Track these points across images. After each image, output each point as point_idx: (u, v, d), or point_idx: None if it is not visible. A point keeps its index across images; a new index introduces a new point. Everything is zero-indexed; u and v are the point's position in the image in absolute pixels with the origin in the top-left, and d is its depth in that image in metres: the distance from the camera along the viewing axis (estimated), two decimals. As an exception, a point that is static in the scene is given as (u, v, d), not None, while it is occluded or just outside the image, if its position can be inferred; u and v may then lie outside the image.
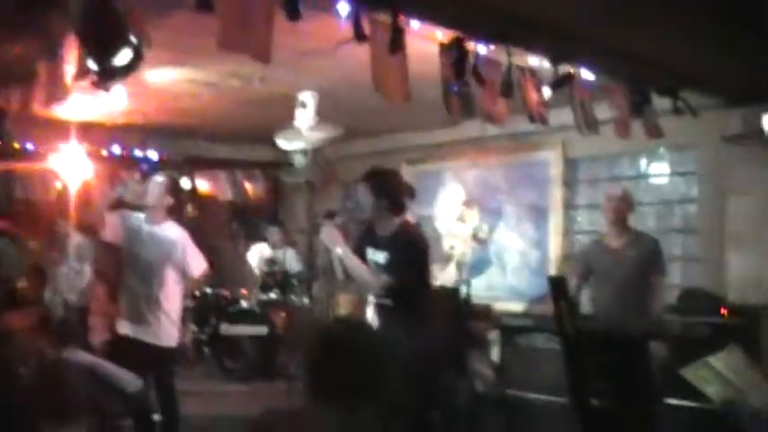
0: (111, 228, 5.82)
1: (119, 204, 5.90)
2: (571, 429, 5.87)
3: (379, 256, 4.79)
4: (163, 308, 5.81)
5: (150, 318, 5.78)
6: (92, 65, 3.54)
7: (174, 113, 8.93)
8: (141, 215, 5.90)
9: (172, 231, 5.90)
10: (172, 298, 5.89)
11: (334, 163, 10.93)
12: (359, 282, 4.90)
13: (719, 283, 7.27)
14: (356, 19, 4.22)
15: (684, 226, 8.12)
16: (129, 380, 5.64)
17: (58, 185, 10.15)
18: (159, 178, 5.94)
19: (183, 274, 5.95)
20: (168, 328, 5.86)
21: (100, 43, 3.43)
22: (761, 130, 6.88)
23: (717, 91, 7.03)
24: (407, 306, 4.72)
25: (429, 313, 4.90)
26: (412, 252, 4.83)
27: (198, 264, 6.01)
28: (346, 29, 4.31)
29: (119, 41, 3.45)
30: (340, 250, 4.78)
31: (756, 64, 6.39)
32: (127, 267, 5.88)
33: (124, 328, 5.89)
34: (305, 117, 7.68)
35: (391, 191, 4.86)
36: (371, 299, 4.99)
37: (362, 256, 4.85)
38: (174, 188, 6.01)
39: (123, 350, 5.83)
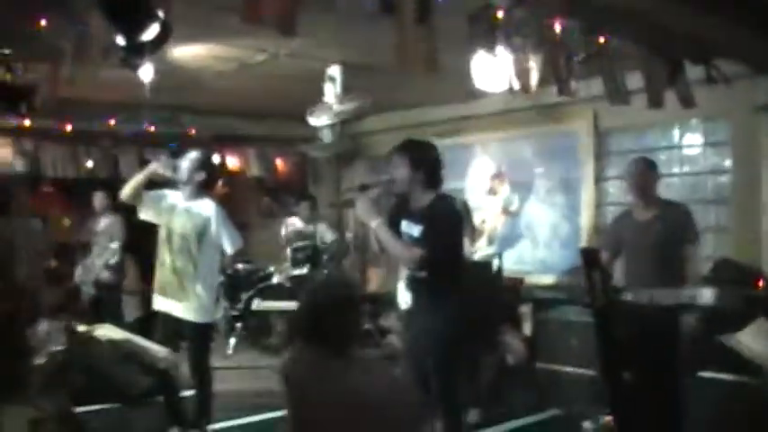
0: (148, 205, 5.88)
1: (154, 182, 5.93)
2: (601, 402, 5.85)
3: (413, 229, 4.76)
4: (199, 283, 5.81)
5: (186, 294, 5.80)
6: (120, 41, 3.52)
7: (200, 90, 8.93)
8: (177, 192, 5.92)
9: (207, 207, 5.90)
10: (207, 274, 5.91)
11: (362, 137, 10.91)
12: (393, 255, 4.87)
13: (754, 254, 7.19)
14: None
15: (717, 197, 8.03)
16: (161, 354, 5.69)
17: (88, 164, 10.21)
18: (192, 154, 5.95)
19: (219, 250, 5.96)
20: (204, 304, 5.87)
21: (127, 18, 3.41)
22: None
23: (747, 59, 6.92)
24: (441, 279, 4.70)
25: (462, 286, 4.88)
26: (446, 225, 4.80)
27: (233, 240, 5.97)
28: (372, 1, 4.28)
29: (146, 16, 3.42)
30: (374, 223, 4.74)
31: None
32: (163, 244, 5.89)
33: (160, 303, 5.92)
34: (333, 91, 7.66)
35: (428, 163, 4.82)
36: (405, 271, 4.96)
37: (396, 229, 4.82)
38: (206, 164, 6.01)
39: (159, 325, 5.92)
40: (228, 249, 5.97)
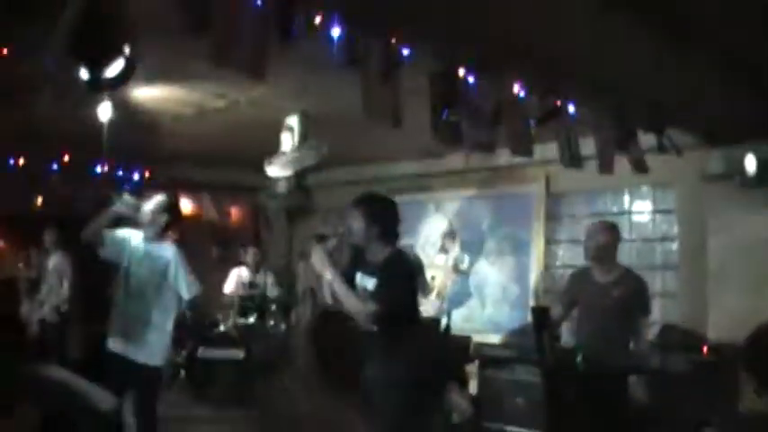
0: (109, 245, 5.78)
1: (117, 222, 5.86)
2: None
3: (368, 282, 4.75)
4: (153, 326, 5.75)
5: (143, 336, 5.72)
6: (83, 74, 3.50)
7: (159, 133, 8.90)
8: (137, 232, 5.86)
9: (167, 251, 5.87)
10: (162, 317, 5.84)
11: (317, 190, 10.92)
12: (347, 308, 4.84)
13: (700, 320, 7.30)
14: (349, 44, 4.23)
15: (665, 263, 8.17)
16: (103, 397, 5.57)
17: (39, 200, 10.09)
18: (158, 196, 5.92)
19: (176, 294, 5.90)
20: (159, 348, 5.82)
21: (92, 53, 3.39)
22: (742, 170, 6.94)
23: (700, 130, 7.11)
24: (391, 334, 4.69)
25: (413, 342, 4.87)
26: (401, 280, 4.80)
27: (191, 286, 5.93)
28: (338, 53, 4.32)
29: (111, 51, 3.41)
30: (329, 275, 4.73)
31: (738, 105, 6.48)
32: (119, 285, 5.82)
33: (115, 344, 5.80)
34: (290, 141, 7.68)
35: (385, 217, 4.83)
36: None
37: (351, 281, 4.81)
38: (170, 207, 5.98)
39: (112, 367, 5.74)
40: (185, 295, 5.91)
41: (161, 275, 5.79)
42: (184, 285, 5.88)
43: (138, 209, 5.79)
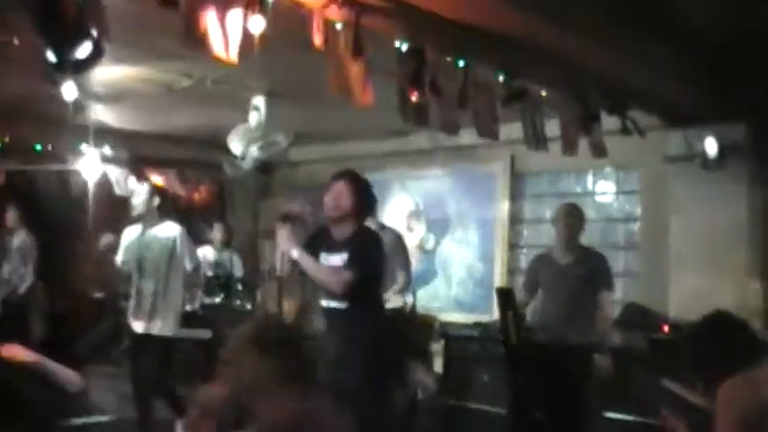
0: (123, 254, 6.48)
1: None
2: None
3: (334, 259, 4.77)
4: (169, 302, 6.27)
5: (159, 313, 6.24)
6: (50, 57, 3.48)
7: (125, 111, 8.85)
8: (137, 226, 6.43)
9: (171, 229, 6.36)
10: (175, 291, 6.36)
11: (283, 168, 10.91)
12: (320, 280, 4.86)
13: (661, 299, 7.41)
14: (317, 21, 4.24)
15: (627, 243, 8.28)
16: (71, 378, 5.57)
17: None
18: (138, 188, 6.51)
19: (182, 267, 6.39)
20: (173, 320, 6.33)
21: (59, 35, 3.37)
22: (703, 152, 7.05)
23: (661, 112, 7.20)
24: (358, 310, 4.73)
25: (378, 320, 4.92)
26: (373, 253, 4.85)
27: (193, 258, 6.51)
28: (304, 32, 4.33)
29: (79, 34, 3.40)
30: (296, 253, 4.76)
31: (699, 88, 6.58)
32: (135, 272, 6.36)
33: (138, 327, 6.31)
34: (257, 121, 7.67)
35: (364, 193, 4.88)
36: (322, 303, 4.97)
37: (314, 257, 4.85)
38: (156, 190, 6.49)
39: (141, 348, 6.36)
40: (188, 266, 6.42)
41: (170, 254, 6.29)
42: (188, 258, 6.43)
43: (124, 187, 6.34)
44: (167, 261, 6.27)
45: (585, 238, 6.53)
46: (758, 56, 6.41)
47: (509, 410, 6.40)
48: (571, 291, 6.07)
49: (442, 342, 8.02)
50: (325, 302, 4.90)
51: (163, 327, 6.26)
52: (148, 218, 6.32)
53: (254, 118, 7.72)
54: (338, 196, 4.80)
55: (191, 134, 10.42)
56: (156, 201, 6.31)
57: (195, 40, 3.65)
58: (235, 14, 3.77)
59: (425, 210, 9.39)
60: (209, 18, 3.66)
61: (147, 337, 6.26)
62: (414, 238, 8.58)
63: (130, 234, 6.45)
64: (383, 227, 6.70)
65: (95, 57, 3.54)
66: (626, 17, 5.36)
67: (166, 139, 10.69)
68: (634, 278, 8.10)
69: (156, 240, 6.29)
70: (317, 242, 4.96)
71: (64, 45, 3.46)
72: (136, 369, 6.40)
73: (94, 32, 3.50)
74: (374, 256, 4.87)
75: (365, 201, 4.89)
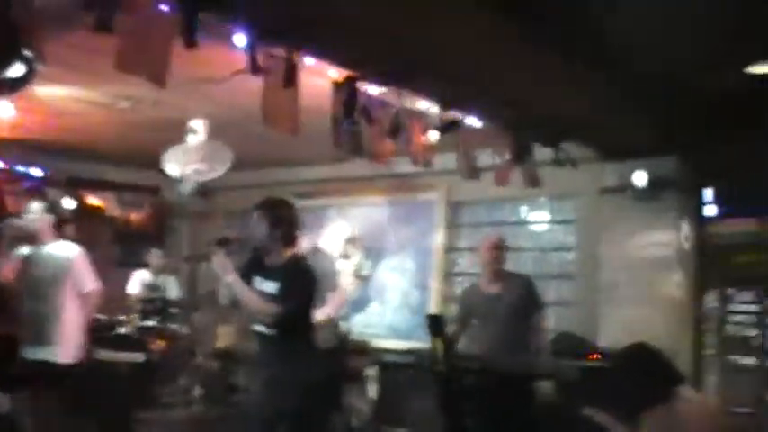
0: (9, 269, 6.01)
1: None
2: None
3: (267, 286, 4.78)
4: (63, 325, 5.89)
5: (52, 337, 5.86)
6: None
7: (63, 132, 8.79)
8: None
9: (65, 249, 6.04)
10: (71, 314, 5.97)
11: (221, 192, 10.88)
12: (250, 309, 4.87)
13: (593, 328, 7.53)
14: (252, 51, 4.29)
15: (561, 272, 8.41)
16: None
17: None
18: (33, 205, 6.06)
19: (79, 290, 6.03)
20: (69, 346, 5.93)
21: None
22: (634, 184, 7.23)
23: (596, 145, 7.36)
24: (290, 336, 4.75)
25: (310, 345, 4.94)
26: (304, 283, 4.87)
27: (90, 280, 6.09)
28: (241, 60, 4.38)
29: (12, 54, 3.40)
30: (230, 278, 4.76)
31: (632, 123, 6.75)
32: (26, 292, 5.98)
33: (28, 353, 5.92)
34: (194, 144, 7.66)
35: (286, 221, 4.89)
36: (254, 326, 4.98)
37: (248, 281, 4.85)
38: (51, 207, 6.15)
39: (28, 373, 5.92)
40: (84, 289, 6.04)
41: (63, 274, 5.94)
42: (86, 281, 6.05)
43: (24, 226, 5.95)
44: (61, 283, 5.92)
45: (521, 267, 6.66)
46: (695, 95, 6.61)
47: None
48: (504, 318, 6.18)
49: (377, 368, 8.05)
50: (256, 327, 4.92)
51: (58, 352, 5.88)
52: (41, 236, 5.98)
53: (192, 141, 7.70)
54: (254, 226, 4.84)
55: (129, 156, 10.36)
56: (50, 219, 6.00)
57: (128, 66, 3.66)
58: (168, 39, 3.78)
59: (363, 236, 9.42)
60: (143, 44, 3.67)
61: (41, 364, 5.86)
62: (350, 264, 8.59)
63: (29, 249, 6.08)
64: (316, 250, 6.76)
65: (27, 77, 3.55)
66: (565, 53, 5.49)
67: (105, 161, 10.62)
68: (567, 307, 8.21)
69: (49, 259, 5.96)
70: (253, 265, 4.98)
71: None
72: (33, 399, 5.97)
73: (28, 53, 3.50)
74: (304, 289, 4.88)
75: (283, 228, 4.87)
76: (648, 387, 3.41)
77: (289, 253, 4.88)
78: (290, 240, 4.90)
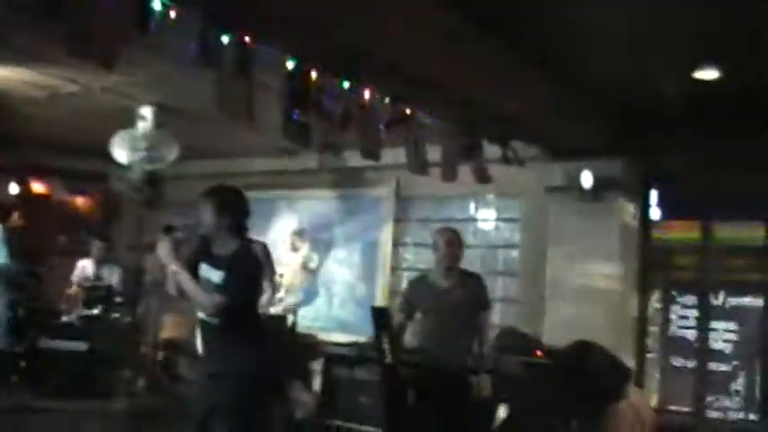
0: None
1: None
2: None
3: (213, 275, 4.74)
4: None
5: None
6: None
7: (8, 116, 8.66)
8: None
9: None
10: None
11: (170, 182, 10.80)
12: (193, 300, 4.84)
13: (537, 325, 7.62)
14: (204, 39, 4.27)
15: (506, 269, 8.49)
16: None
17: None
18: None
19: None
20: None
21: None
22: (580, 184, 7.32)
23: (543, 144, 7.44)
24: (235, 327, 4.72)
25: (254, 336, 4.92)
26: (249, 274, 4.84)
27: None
28: (193, 49, 4.35)
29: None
30: (174, 267, 4.72)
31: (579, 124, 6.84)
32: None
33: None
34: (143, 131, 7.60)
35: (235, 210, 4.86)
36: (199, 315, 4.95)
37: (194, 272, 4.81)
38: None
39: None
40: None
41: None
42: None
43: None
44: None
45: (467, 264, 6.68)
46: (642, 99, 6.72)
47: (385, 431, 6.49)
48: (451, 314, 6.17)
49: (322, 361, 8.05)
50: (200, 315, 4.89)
51: None
52: None
53: (140, 127, 7.64)
54: (201, 214, 4.81)
55: (76, 142, 10.25)
56: None
57: (76, 49, 3.62)
58: (118, 21, 3.73)
59: (310, 229, 9.44)
60: (92, 27, 3.63)
61: None
62: (298, 257, 8.62)
63: None
64: (250, 240, 6.76)
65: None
66: (516, 53, 5.56)
67: (50, 147, 10.49)
68: (512, 303, 8.30)
69: None
70: (200, 252, 4.94)
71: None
72: None
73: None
74: (249, 280, 4.86)
75: (231, 216, 4.85)
76: (593, 383, 3.48)
77: (236, 242, 4.86)
78: (239, 229, 4.88)
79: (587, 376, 3.51)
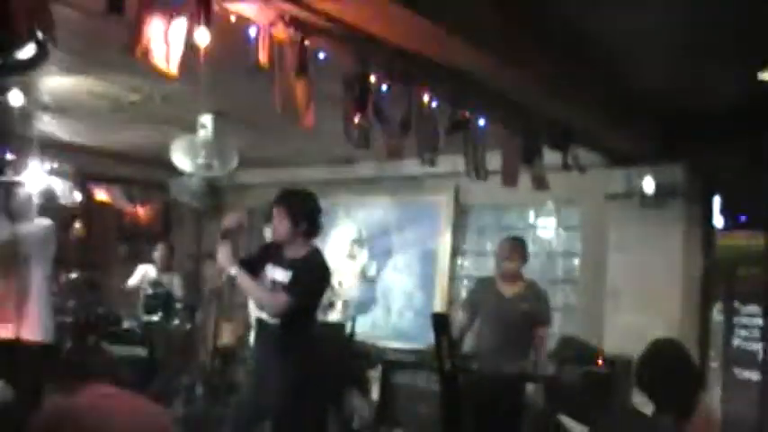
0: None
1: None
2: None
3: (280, 274, 4.75)
4: (35, 302, 5.88)
5: (23, 313, 5.81)
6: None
7: (71, 124, 8.79)
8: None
9: (35, 226, 6.08)
10: (41, 291, 5.99)
11: (230, 191, 10.89)
12: (255, 299, 4.85)
13: (596, 334, 7.51)
14: (262, 42, 4.27)
15: (567, 277, 8.39)
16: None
17: None
18: (24, 190, 6.24)
19: (47, 266, 6.10)
20: (45, 321, 5.95)
21: (3, 34, 3.32)
22: (642, 191, 7.20)
23: (603, 150, 7.34)
24: (292, 330, 4.72)
25: (311, 340, 4.92)
26: (318, 278, 4.85)
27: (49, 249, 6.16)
28: (253, 53, 4.35)
29: (23, 34, 3.34)
30: (234, 271, 4.74)
31: (638, 130, 6.75)
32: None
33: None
34: (204, 140, 7.65)
35: (308, 214, 4.87)
36: (256, 316, 4.95)
37: (255, 270, 4.82)
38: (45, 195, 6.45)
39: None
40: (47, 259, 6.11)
41: (29, 251, 5.95)
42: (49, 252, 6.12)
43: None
44: (27, 259, 5.94)
45: (528, 271, 6.63)
46: (701, 104, 6.60)
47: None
48: (511, 323, 6.16)
49: (380, 369, 8.02)
50: (258, 315, 4.89)
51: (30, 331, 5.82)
52: (22, 217, 6.04)
53: (200, 136, 7.70)
54: (276, 222, 4.82)
55: (137, 151, 10.38)
56: (34, 204, 6.20)
57: (137, 50, 3.62)
58: (179, 26, 3.74)
59: (368, 237, 9.42)
60: (154, 28, 3.64)
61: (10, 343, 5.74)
62: (356, 265, 8.60)
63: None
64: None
65: (38, 59, 3.51)
66: (575, 61, 5.51)
67: (112, 155, 10.62)
68: (572, 312, 8.20)
69: (18, 239, 5.93)
70: (267, 254, 4.95)
71: (8, 45, 3.41)
72: None
73: (39, 34, 3.46)
74: (316, 284, 4.88)
75: (303, 223, 4.86)
76: (684, 380, 3.43)
77: (308, 245, 4.86)
78: (312, 232, 4.89)
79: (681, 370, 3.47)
